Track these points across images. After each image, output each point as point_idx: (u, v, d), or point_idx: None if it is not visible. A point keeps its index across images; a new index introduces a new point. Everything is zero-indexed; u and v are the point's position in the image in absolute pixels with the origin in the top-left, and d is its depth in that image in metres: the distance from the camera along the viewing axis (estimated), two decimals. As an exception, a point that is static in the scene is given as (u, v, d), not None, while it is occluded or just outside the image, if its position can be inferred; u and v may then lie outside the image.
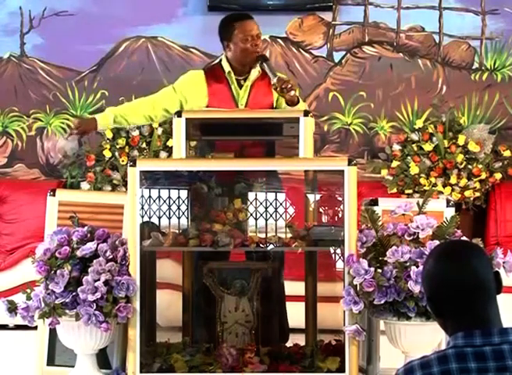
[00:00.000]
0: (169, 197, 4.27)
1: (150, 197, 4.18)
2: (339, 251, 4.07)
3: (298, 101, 4.42)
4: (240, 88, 4.57)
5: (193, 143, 4.48)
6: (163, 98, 4.61)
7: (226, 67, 4.59)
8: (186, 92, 4.57)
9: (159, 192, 4.24)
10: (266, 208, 4.19)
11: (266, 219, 4.18)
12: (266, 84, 4.54)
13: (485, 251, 2.25)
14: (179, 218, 4.28)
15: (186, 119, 4.10)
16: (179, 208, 4.28)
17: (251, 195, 4.24)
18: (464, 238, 3.75)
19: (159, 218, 4.25)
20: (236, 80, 4.57)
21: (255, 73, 4.58)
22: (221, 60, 4.69)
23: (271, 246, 4.07)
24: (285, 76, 4.59)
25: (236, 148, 4.37)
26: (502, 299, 2.20)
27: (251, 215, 4.19)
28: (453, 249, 2.25)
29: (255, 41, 4.54)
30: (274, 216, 4.19)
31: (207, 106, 4.53)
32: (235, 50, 4.56)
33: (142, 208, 3.98)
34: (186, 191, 4.32)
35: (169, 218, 4.27)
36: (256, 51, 4.53)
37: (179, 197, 4.29)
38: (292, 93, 4.36)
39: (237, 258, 4.45)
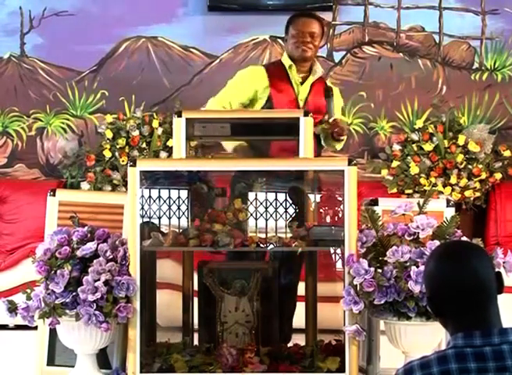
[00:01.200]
0: (169, 197, 4.27)
1: (150, 197, 4.18)
2: (339, 251, 4.07)
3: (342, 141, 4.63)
4: (301, 84, 4.63)
5: (193, 143, 4.49)
6: (231, 95, 4.63)
7: (287, 62, 4.66)
8: (248, 82, 4.63)
9: (159, 192, 4.24)
10: (266, 208, 4.19)
11: (266, 219, 4.18)
12: (322, 87, 4.66)
13: (486, 252, 2.25)
14: (179, 218, 4.28)
15: (187, 119, 4.10)
16: (179, 208, 4.28)
17: (252, 195, 4.24)
18: (465, 238, 3.75)
19: (159, 218, 4.25)
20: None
21: (319, 72, 4.67)
22: (280, 59, 4.77)
23: (271, 246, 4.07)
24: (344, 122, 4.67)
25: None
26: (502, 299, 2.20)
27: (251, 215, 4.19)
28: (453, 250, 2.25)
29: (305, 37, 4.59)
30: (274, 216, 4.19)
31: (269, 97, 4.59)
32: (287, 45, 4.70)
33: (142, 208, 3.98)
34: (186, 191, 4.32)
35: (169, 218, 4.27)
36: (307, 47, 4.59)
37: (179, 197, 4.29)
38: (340, 141, 4.62)
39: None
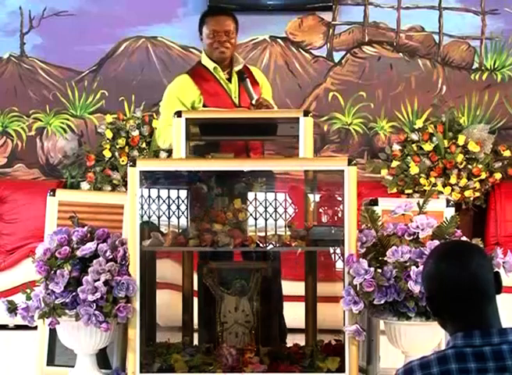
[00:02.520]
0: (169, 197, 4.27)
1: (150, 197, 4.18)
2: (338, 251, 4.07)
3: None
4: (230, 82, 4.57)
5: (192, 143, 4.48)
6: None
7: (210, 64, 4.58)
8: (182, 98, 4.51)
9: (159, 192, 4.24)
10: (266, 207, 4.19)
11: (266, 219, 4.18)
12: (251, 75, 4.58)
13: (486, 252, 2.25)
14: (178, 218, 4.28)
15: (186, 119, 4.10)
16: (178, 208, 4.28)
17: (251, 195, 4.24)
18: (464, 238, 3.75)
19: (159, 218, 4.25)
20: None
21: (239, 65, 4.57)
22: (200, 60, 4.68)
23: (270, 246, 4.07)
24: (264, 97, 4.53)
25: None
26: (502, 299, 2.20)
27: (251, 214, 4.19)
28: (453, 250, 2.25)
29: (221, 37, 4.51)
30: (274, 215, 4.19)
31: (204, 106, 4.52)
32: (204, 45, 4.61)
33: (142, 208, 3.98)
34: (185, 191, 4.32)
35: (169, 218, 4.27)
36: (224, 47, 4.50)
37: (178, 197, 4.29)
38: None
39: (237, 258, 4.46)
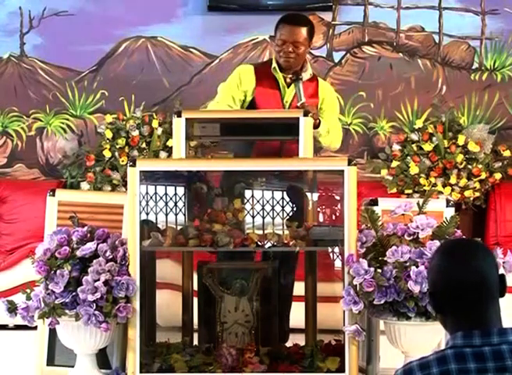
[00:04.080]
0: (169, 197, 4.27)
1: (149, 197, 4.18)
2: (339, 250, 4.07)
3: (319, 125, 4.43)
4: (288, 87, 4.58)
5: (192, 143, 4.49)
6: (228, 98, 4.56)
7: (273, 63, 4.62)
8: (241, 83, 4.57)
9: (159, 192, 4.24)
10: (263, 206, 4.19)
11: (263, 218, 4.18)
12: (314, 87, 4.60)
13: (491, 252, 2.25)
14: (178, 218, 4.28)
15: (186, 119, 4.10)
16: (178, 208, 4.28)
17: (249, 195, 4.24)
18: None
19: (158, 218, 4.25)
20: (284, 78, 4.58)
21: (307, 74, 4.59)
22: (271, 58, 4.74)
23: (269, 246, 4.07)
24: (311, 106, 4.50)
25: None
26: (503, 299, 2.20)
27: (249, 213, 4.19)
28: (459, 246, 2.25)
29: (287, 47, 4.51)
30: (272, 215, 4.19)
31: (253, 99, 4.55)
32: (274, 49, 4.64)
33: (142, 208, 3.98)
34: (185, 191, 4.32)
35: (168, 217, 4.27)
36: (288, 57, 4.52)
37: (178, 197, 4.29)
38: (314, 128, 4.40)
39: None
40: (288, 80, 4.58)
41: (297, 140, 4.07)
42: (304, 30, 4.56)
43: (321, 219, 4.42)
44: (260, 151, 4.53)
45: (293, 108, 4.44)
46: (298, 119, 4.07)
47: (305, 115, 4.10)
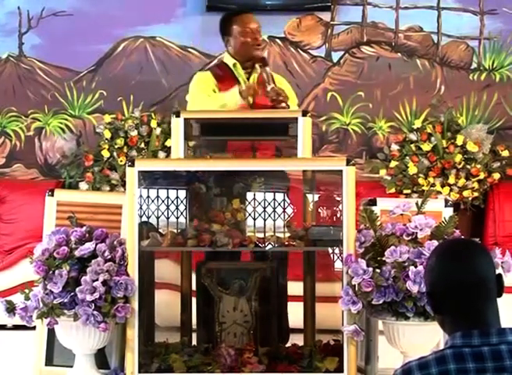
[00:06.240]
0: (168, 197, 4.27)
1: (148, 197, 4.18)
2: (337, 251, 4.07)
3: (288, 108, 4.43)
4: (248, 79, 4.59)
5: (191, 143, 4.48)
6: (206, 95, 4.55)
7: (230, 61, 4.61)
8: (204, 90, 4.56)
9: (158, 192, 4.24)
10: (265, 207, 4.19)
11: (264, 219, 4.18)
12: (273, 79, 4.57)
13: (489, 252, 2.25)
14: (177, 218, 4.28)
15: (185, 119, 4.10)
16: (177, 208, 4.28)
17: (250, 195, 4.24)
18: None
19: (157, 218, 4.25)
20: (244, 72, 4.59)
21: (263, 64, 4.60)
22: (222, 59, 4.70)
23: (269, 246, 4.07)
24: (280, 88, 4.53)
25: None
26: (502, 299, 2.20)
27: (249, 214, 4.19)
28: (457, 246, 2.25)
29: (254, 34, 4.57)
30: (272, 215, 4.19)
31: None
32: (235, 44, 4.61)
33: (140, 208, 3.98)
34: (184, 191, 4.32)
35: (168, 218, 4.27)
36: (256, 44, 4.56)
37: (177, 197, 4.29)
38: (282, 104, 4.39)
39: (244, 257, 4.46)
40: (246, 75, 4.59)
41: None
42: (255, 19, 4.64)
43: (319, 219, 4.42)
44: (234, 147, 4.50)
45: (261, 97, 4.44)
46: (296, 119, 4.07)
47: (304, 115, 4.10)
